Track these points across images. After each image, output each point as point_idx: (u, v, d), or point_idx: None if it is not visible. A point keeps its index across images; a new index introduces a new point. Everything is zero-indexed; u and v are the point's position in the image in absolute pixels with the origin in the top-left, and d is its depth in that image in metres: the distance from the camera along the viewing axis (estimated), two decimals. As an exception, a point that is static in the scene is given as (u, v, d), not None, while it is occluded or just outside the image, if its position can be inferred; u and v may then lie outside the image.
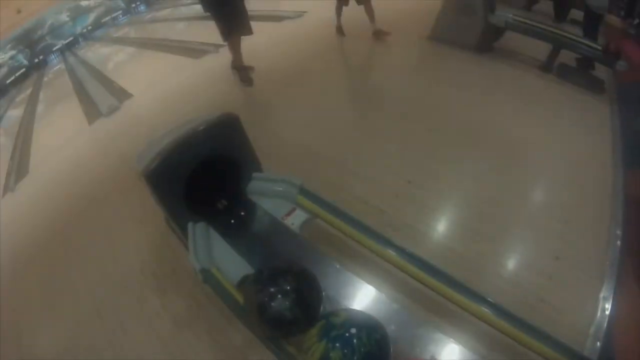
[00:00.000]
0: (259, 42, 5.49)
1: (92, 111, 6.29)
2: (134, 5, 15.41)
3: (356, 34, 5.26)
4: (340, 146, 3.49)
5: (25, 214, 4.63)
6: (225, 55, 6.17)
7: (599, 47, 3.56)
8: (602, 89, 3.62)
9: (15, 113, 10.13)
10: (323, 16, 6.14)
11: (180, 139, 2.39)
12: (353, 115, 4.04)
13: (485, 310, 1.76)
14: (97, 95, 6.96)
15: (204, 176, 2.46)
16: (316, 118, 3.93)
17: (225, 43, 4.95)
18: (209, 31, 7.11)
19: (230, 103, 4.51)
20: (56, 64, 13.62)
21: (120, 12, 15.41)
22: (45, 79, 11.95)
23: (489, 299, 1.79)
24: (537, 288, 2.20)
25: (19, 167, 6.02)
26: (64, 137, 6.02)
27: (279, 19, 6.81)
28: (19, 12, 13.42)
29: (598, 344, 1.95)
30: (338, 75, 4.76)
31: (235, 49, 4.89)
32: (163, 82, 6.11)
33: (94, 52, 12.04)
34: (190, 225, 2.37)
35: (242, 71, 4.96)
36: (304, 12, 6.75)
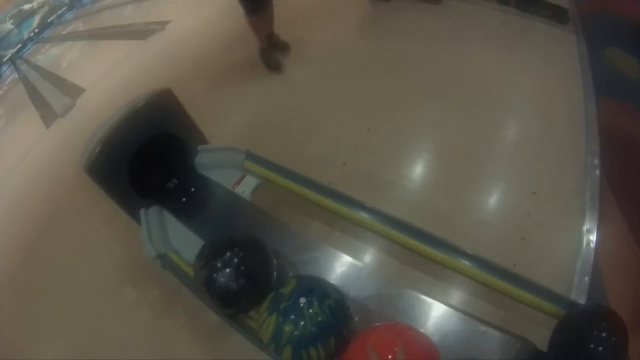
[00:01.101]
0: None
1: (48, 114, 6.01)
2: (79, -3, 14.73)
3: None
4: (293, 106, 3.34)
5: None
6: (172, 33, 5.98)
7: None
8: (567, 18, 3.45)
9: (-24, 136, 9.82)
10: None
11: (116, 123, 2.24)
12: (304, 71, 3.84)
13: (461, 262, 1.66)
14: (51, 98, 6.66)
15: (148, 158, 2.32)
16: (260, 81, 3.76)
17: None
18: (155, 10, 6.86)
19: (176, 80, 4.31)
20: (9, 74, 13.12)
21: (65, 8, 14.73)
22: (1, 92, 11.54)
23: (465, 250, 1.68)
24: (517, 228, 2.13)
25: (-17, 192, 5.83)
26: (25, 147, 5.76)
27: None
28: None
29: (587, 279, 1.87)
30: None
31: (257, 28, 3.88)
32: (114, 71, 5.83)
33: (45, 55, 11.62)
34: (142, 211, 2.26)
35: (266, 55, 4.02)
36: None
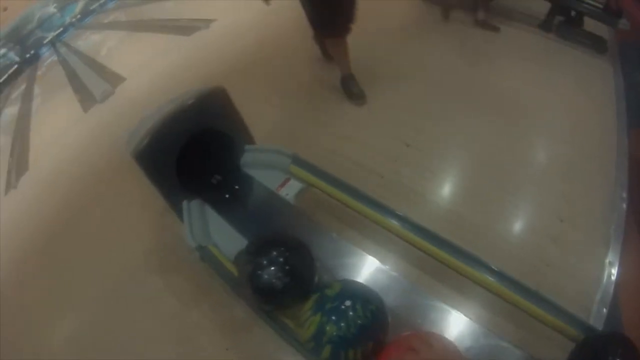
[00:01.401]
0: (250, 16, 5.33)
1: (86, 99, 6.16)
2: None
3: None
4: (333, 112, 3.38)
5: (29, 208, 4.57)
6: (216, 30, 6.05)
7: (600, 5, 3.38)
8: (605, 47, 3.46)
9: (11, 111, 10.03)
10: None
11: (168, 115, 2.29)
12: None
13: (487, 278, 1.70)
14: (90, 83, 6.82)
15: (195, 152, 2.37)
16: (304, 84, 3.80)
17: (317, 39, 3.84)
18: (198, 7, 6.96)
19: (221, 77, 4.36)
20: (48, 56, 13.43)
21: (109, -6, 15.06)
22: (39, 72, 11.81)
23: (491, 266, 1.71)
24: (542, 251, 2.14)
25: (19, 163, 5.95)
26: (61, 129, 5.94)
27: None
28: (5, 9, 13.22)
29: (604, 310, 1.88)
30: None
31: (341, 51, 3.31)
32: (155, 63, 5.95)
33: (85, 40, 11.88)
34: (184, 203, 2.31)
35: (349, 81, 3.43)
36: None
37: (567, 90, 3.14)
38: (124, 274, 2.86)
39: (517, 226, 2.36)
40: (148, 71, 5.81)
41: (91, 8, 14.93)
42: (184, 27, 6.69)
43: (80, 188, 4.15)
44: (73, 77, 8.17)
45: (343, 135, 3.16)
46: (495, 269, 1.71)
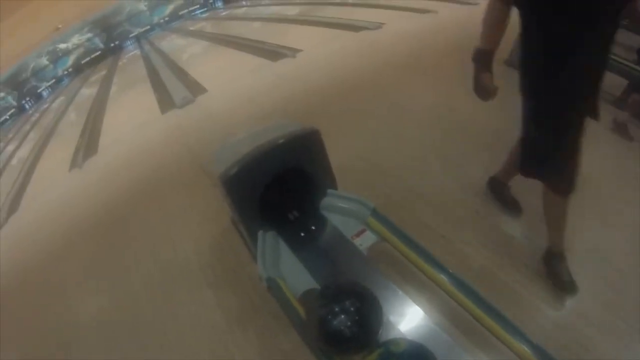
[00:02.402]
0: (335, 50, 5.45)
1: (165, 101, 6.43)
2: (211, 0, 15.88)
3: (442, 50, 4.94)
4: (410, 166, 3.37)
5: (89, 190, 4.77)
6: (303, 61, 6.13)
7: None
8: None
9: (88, 92, 10.60)
10: (400, 28, 6.08)
11: (261, 150, 2.36)
12: (426, 137, 3.86)
13: (527, 352, 1.68)
14: (171, 85, 7.12)
15: (279, 186, 2.43)
16: (388, 134, 3.81)
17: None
18: (284, 33, 7.13)
19: (302, 111, 4.46)
20: (131, 50, 14.18)
21: (198, 6, 15.93)
22: (120, 63, 12.47)
23: (532, 340, 1.70)
24: (583, 336, 2.05)
25: (88, 145, 6.24)
26: (135, 123, 6.19)
27: (356, 29, 6.67)
28: (57, 29, 14.15)
29: None
30: (414, 93, 4.37)
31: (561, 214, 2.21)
32: (238, 82, 6.13)
33: (170, 42, 12.46)
34: (260, 233, 2.34)
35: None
36: (382, 23, 6.55)
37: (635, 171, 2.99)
38: (177, 276, 2.91)
39: (562, 306, 2.27)
40: (230, 88, 5.99)
41: (180, 13, 15.82)
42: (270, 51, 6.89)
43: (144, 185, 4.27)
44: (153, 75, 8.55)
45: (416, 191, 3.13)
46: (534, 343, 1.68)
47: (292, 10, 9.62)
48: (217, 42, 9.73)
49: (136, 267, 3.14)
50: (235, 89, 5.85)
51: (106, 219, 3.95)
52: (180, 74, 7.65)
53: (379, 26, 6.40)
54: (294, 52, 6.34)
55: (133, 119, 6.41)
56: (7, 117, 13.15)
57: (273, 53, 6.71)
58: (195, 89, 6.39)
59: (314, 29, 7.55)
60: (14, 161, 8.01)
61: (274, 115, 4.43)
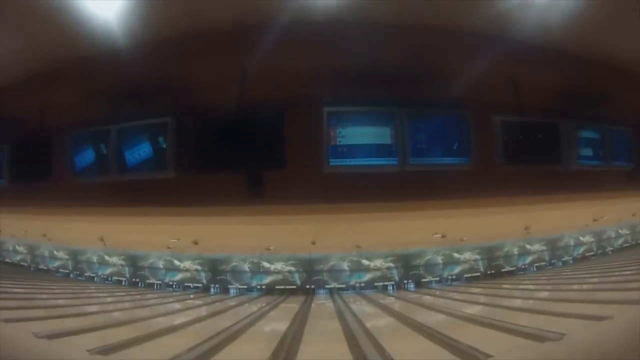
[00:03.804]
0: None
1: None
2: (405, 281, 17.14)
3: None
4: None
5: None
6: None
7: None
8: None
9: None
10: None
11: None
12: None
13: None
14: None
15: None
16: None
17: None
18: (472, 333, 7.04)
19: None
20: (322, 297, 15.55)
21: (393, 283, 17.28)
22: (313, 305, 13.59)
23: None
24: None
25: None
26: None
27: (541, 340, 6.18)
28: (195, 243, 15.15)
29: None
30: None
31: None
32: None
33: (356, 304, 13.35)
34: None
35: None
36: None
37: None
38: None
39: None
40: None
41: (375, 284, 17.22)
42: (460, 350, 6.77)
43: None
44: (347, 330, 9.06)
45: None
46: None
47: (471, 308, 9.91)
48: (400, 320, 10.09)
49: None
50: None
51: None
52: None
53: (560, 337, 6.01)
54: (485, 356, 6.20)
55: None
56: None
57: (463, 352, 6.56)
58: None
59: (499, 335, 7.17)
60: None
61: None
